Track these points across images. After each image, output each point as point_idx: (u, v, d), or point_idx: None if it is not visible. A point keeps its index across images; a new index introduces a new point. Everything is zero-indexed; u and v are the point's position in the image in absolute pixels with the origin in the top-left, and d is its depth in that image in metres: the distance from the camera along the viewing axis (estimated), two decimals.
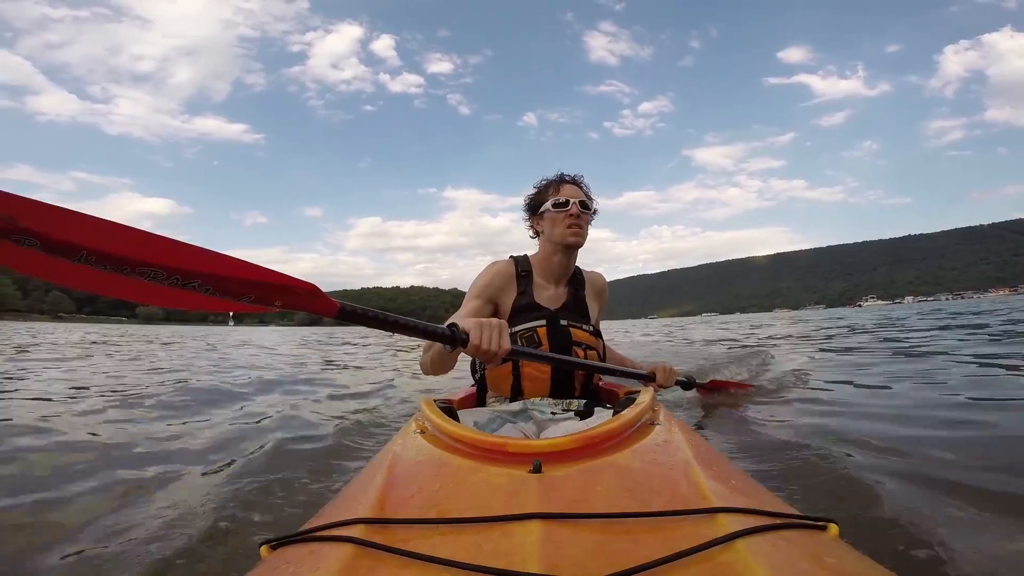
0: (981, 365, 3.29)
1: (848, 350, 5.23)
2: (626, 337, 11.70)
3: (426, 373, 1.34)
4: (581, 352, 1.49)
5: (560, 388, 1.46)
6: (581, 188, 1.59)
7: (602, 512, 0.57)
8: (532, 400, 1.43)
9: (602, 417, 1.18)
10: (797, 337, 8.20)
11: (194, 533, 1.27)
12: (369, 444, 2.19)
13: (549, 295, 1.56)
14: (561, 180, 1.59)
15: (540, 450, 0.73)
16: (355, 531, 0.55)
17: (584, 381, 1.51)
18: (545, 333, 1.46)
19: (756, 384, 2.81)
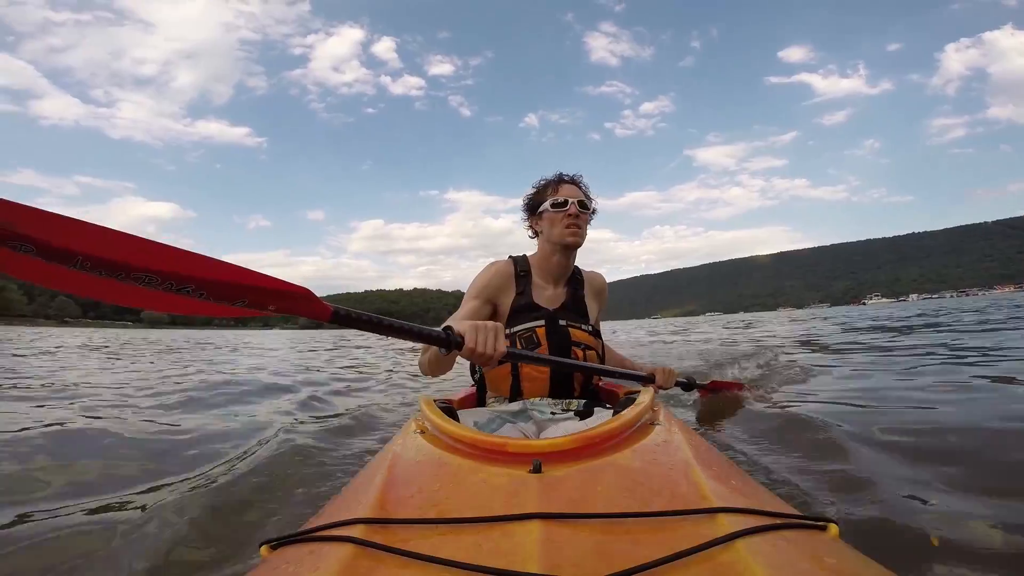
0: (986, 365, 3.28)
1: (850, 348, 5.23)
2: (629, 337, 11.67)
3: (424, 374, 1.34)
4: (580, 352, 1.49)
5: (559, 388, 1.46)
6: (580, 188, 1.59)
7: (602, 512, 0.57)
8: (532, 400, 1.43)
9: (602, 417, 1.18)
10: (808, 336, 8.17)
11: (194, 533, 1.28)
12: (369, 444, 2.19)
13: (548, 295, 1.56)
14: (560, 180, 1.59)
15: (540, 450, 0.73)
16: (355, 531, 0.55)
17: (583, 381, 1.51)
18: (544, 333, 1.46)
19: (758, 384, 2.81)
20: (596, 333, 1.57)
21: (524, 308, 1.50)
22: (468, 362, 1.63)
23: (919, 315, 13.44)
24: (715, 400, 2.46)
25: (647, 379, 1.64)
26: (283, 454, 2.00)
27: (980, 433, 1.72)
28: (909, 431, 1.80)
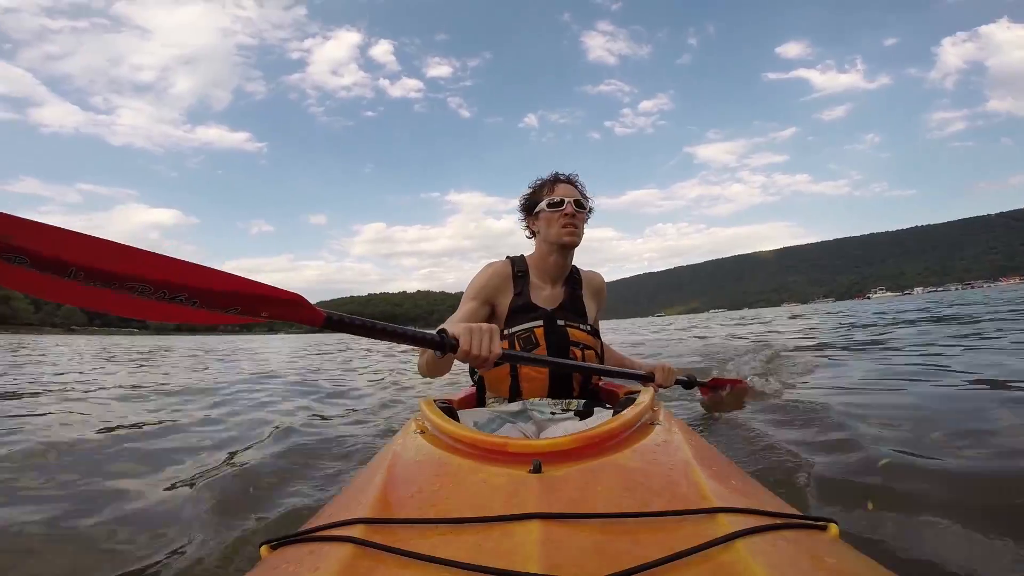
0: (989, 361, 3.27)
1: (853, 344, 5.22)
2: (632, 337, 11.64)
3: (423, 376, 1.34)
4: (579, 352, 1.49)
5: (558, 388, 1.46)
6: (576, 187, 1.59)
7: (602, 512, 0.57)
8: (532, 400, 1.43)
9: (602, 417, 1.18)
10: (810, 332, 8.13)
11: (194, 533, 1.28)
12: (369, 444, 2.19)
13: (546, 295, 1.55)
14: (556, 179, 1.59)
15: (540, 450, 0.73)
16: (355, 531, 0.55)
17: (583, 381, 1.51)
18: (542, 333, 1.46)
19: (759, 382, 2.80)
20: (595, 333, 1.57)
21: (522, 309, 1.50)
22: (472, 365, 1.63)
23: (925, 308, 13.28)
24: (715, 398, 2.46)
25: (646, 378, 1.63)
26: (283, 454, 2.00)
27: (983, 432, 1.72)
28: (911, 430, 1.80)
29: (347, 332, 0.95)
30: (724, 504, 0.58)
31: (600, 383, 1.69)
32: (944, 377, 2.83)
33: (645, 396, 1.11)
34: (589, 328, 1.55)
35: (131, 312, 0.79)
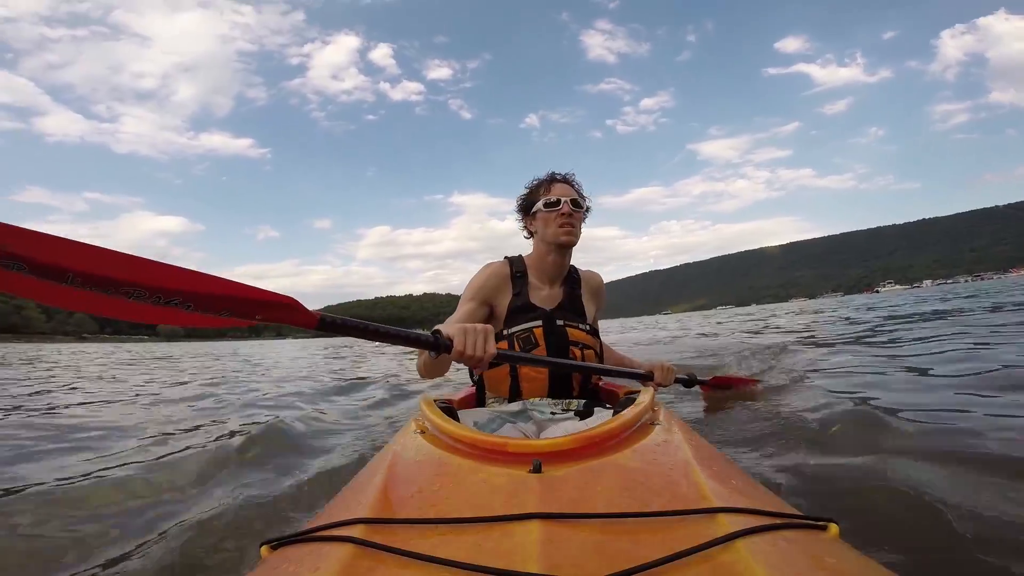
0: (1001, 357, 3.26)
1: (855, 341, 5.22)
2: (637, 336, 11.60)
3: (422, 376, 1.34)
4: (578, 352, 1.49)
5: (558, 388, 1.46)
6: (572, 186, 1.59)
7: (602, 512, 0.57)
8: (532, 400, 1.42)
9: (602, 417, 1.18)
10: (814, 328, 8.09)
11: (194, 533, 1.28)
12: (369, 444, 2.19)
13: (544, 295, 1.55)
14: (552, 179, 1.59)
15: (540, 450, 0.73)
16: (355, 531, 0.55)
17: (583, 381, 1.51)
18: (542, 333, 1.46)
19: (761, 380, 2.79)
20: (594, 332, 1.57)
21: (521, 309, 1.50)
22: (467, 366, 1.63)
23: (934, 301, 13.11)
24: (716, 397, 2.46)
25: (645, 376, 1.63)
26: (283, 454, 2.00)
27: (986, 432, 1.72)
28: (912, 429, 1.80)
29: (341, 334, 0.96)
30: (724, 504, 0.58)
31: (600, 383, 1.69)
32: (951, 374, 2.83)
33: (645, 396, 1.11)
34: (588, 328, 1.55)
35: (128, 315, 0.81)
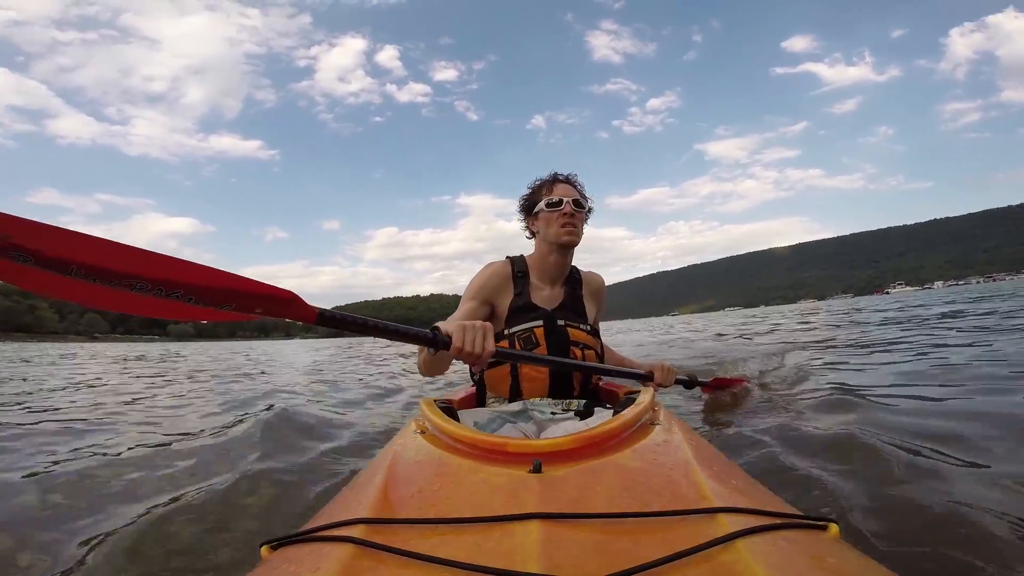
0: (992, 359, 3.26)
1: (859, 344, 5.22)
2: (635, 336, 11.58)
3: (423, 374, 1.34)
4: (579, 352, 1.49)
5: (559, 388, 1.46)
6: (575, 187, 1.59)
7: (602, 512, 0.57)
8: (532, 400, 1.42)
9: (602, 417, 1.18)
10: (817, 331, 8.09)
11: (194, 533, 1.28)
12: (369, 444, 2.19)
13: (545, 295, 1.55)
14: (554, 179, 1.59)
15: (540, 450, 0.73)
16: (355, 531, 0.55)
17: (583, 381, 1.51)
18: (542, 333, 1.46)
19: (762, 382, 2.79)
20: (595, 333, 1.57)
21: (522, 308, 1.50)
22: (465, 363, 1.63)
23: (943, 303, 12.92)
24: (716, 398, 2.46)
25: (645, 377, 1.63)
26: (283, 454, 2.00)
27: (986, 432, 1.72)
28: (913, 430, 1.80)
29: (340, 328, 0.96)
30: (724, 504, 0.58)
31: (600, 383, 1.69)
32: (953, 375, 2.82)
33: (645, 396, 1.11)
34: (589, 328, 1.55)
35: (129, 308, 0.81)
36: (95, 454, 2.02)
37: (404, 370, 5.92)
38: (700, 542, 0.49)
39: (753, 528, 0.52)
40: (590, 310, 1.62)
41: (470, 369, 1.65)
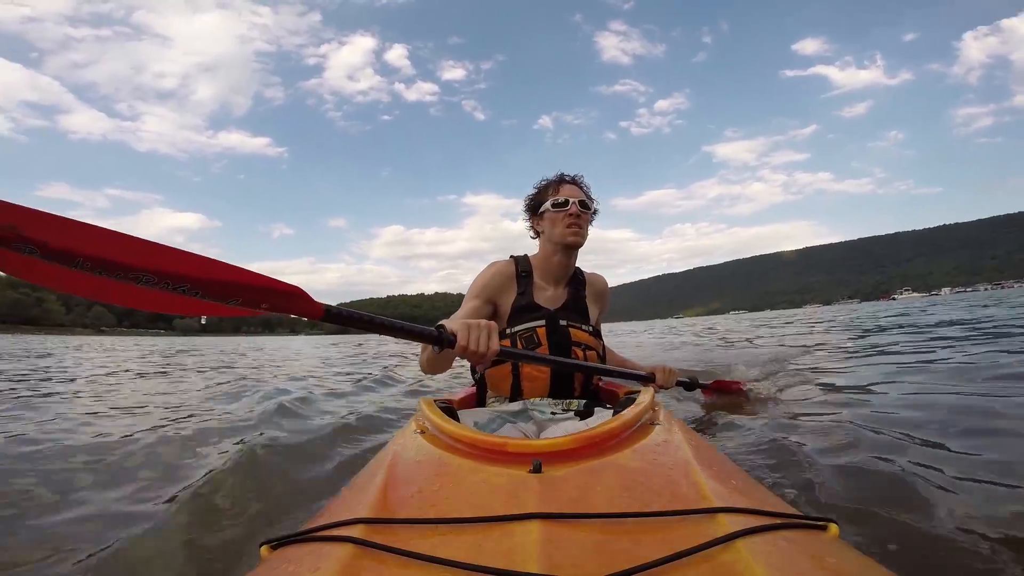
0: (991, 362, 3.26)
1: (860, 347, 5.22)
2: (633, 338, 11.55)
3: (424, 372, 1.35)
4: (580, 352, 1.49)
5: (560, 388, 1.46)
6: (581, 188, 1.59)
7: (602, 512, 0.57)
8: (532, 400, 1.43)
9: (602, 417, 1.18)
10: (820, 335, 8.09)
11: (194, 533, 1.27)
12: (369, 444, 2.19)
13: (549, 295, 1.55)
14: (561, 180, 1.59)
15: (540, 450, 0.73)
16: (355, 531, 0.55)
17: (584, 381, 1.51)
18: (544, 333, 1.46)
19: (762, 384, 2.79)
20: (597, 334, 1.57)
21: (525, 308, 1.50)
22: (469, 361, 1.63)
23: (950, 309, 12.76)
24: (717, 400, 2.46)
25: (647, 378, 1.64)
26: (283, 454, 2.00)
27: (986, 433, 1.72)
28: (912, 431, 1.80)
29: (346, 325, 0.96)
30: (724, 504, 0.58)
31: (601, 383, 1.69)
32: (953, 378, 2.82)
33: (645, 396, 1.11)
34: (591, 329, 1.55)
35: (137, 303, 0.80)
36: (89, 452, 2.02)
37: (403, 369, 5.93)
38: (700, 542, 0.49)
39: (753, 528, 0.52)
40: (592, 311, 1.62)
41: (471, 367, 1.66)
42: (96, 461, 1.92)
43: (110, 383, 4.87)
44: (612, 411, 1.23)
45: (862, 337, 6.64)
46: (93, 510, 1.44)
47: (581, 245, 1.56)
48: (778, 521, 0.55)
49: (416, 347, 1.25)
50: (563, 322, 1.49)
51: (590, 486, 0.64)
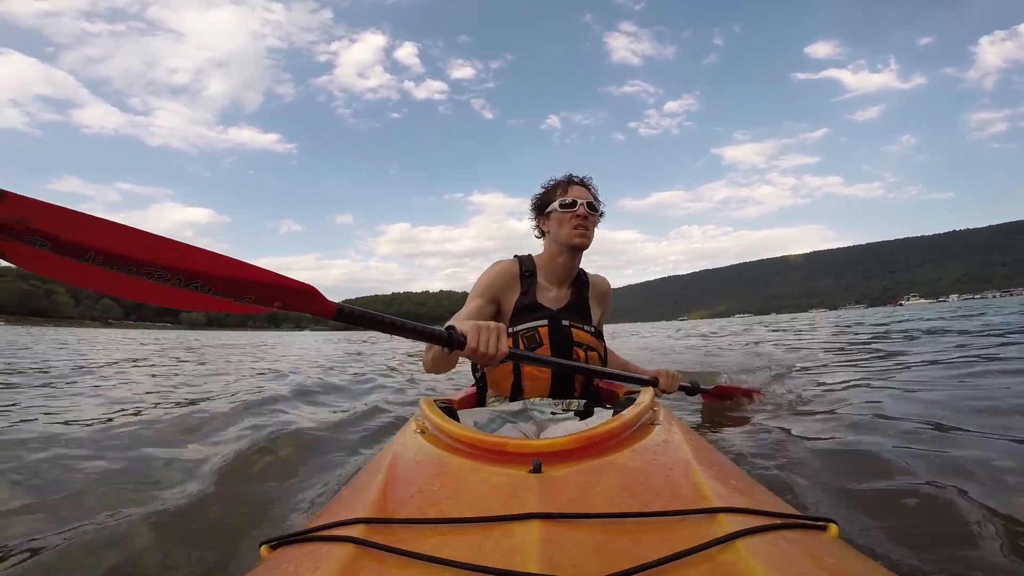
0: (992, 367, 3.26)
1: (861, 350, 5.22)
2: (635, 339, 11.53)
3: (427, 371, 1.35)
4: (582, 353, 1.50)
5: (560, 388, 1.46)
6: (589, 190, 1.59)
7: (602, 512, 0.57)
8: (532, 400, 1.43)
9: (602, 417, 1.18)
10: (822, 340, 8.09)
11: (194, 533, 1.27)
12: (369, 444, 2.19)
13: (552, 296, 1.56)
14: (569, 181, 1.59)
15: (540, 450, 0.73)
16: (355, 531, 0.55)
17: (584, 381, 1.51)
18: (547, 333, 1.46)
19: (763, 388, 2.80)
20: (599, 335, 1.58)
21: (528, 307, 1.50)
22: (471, 361, 1.63)
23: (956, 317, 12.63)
24: (718, 406, 2.46)
25: (650, 382, 1.64)
26: (283, 454, 2.00)
27: (987, 433, 1.72)
28: (913, 431, 1.80)
29: (358, 324, 0.95)
30: (724, 504, 0.58)
31: (601, 383, 1.69)
32: (951, 379, 2.83)
33: (645, 396, 1.11)
34: (593, 330, 1.55)
35: (147, 298, 0.79)
36: (87, 452, 2.02)
37: (408, 368, 5.93)
38: (700, 542, 0.49)
39: (753, 528, 0.52)
40: (595, 312, 1.63)
41: (472, 366, 1.66)
42: (95, 459, 1.92)
43: (123, 376, 4.88)
44: (612, 411, 1.24)
45: (862, 340, 6.65)
46: (92, 509, 1.44)
47: (587, 247, 1.56)
48: (778, 521, 0.55)
49: (420, 346, 1.25)
50: (565, 322, 1.49)
51: (590, 486, 0.64)
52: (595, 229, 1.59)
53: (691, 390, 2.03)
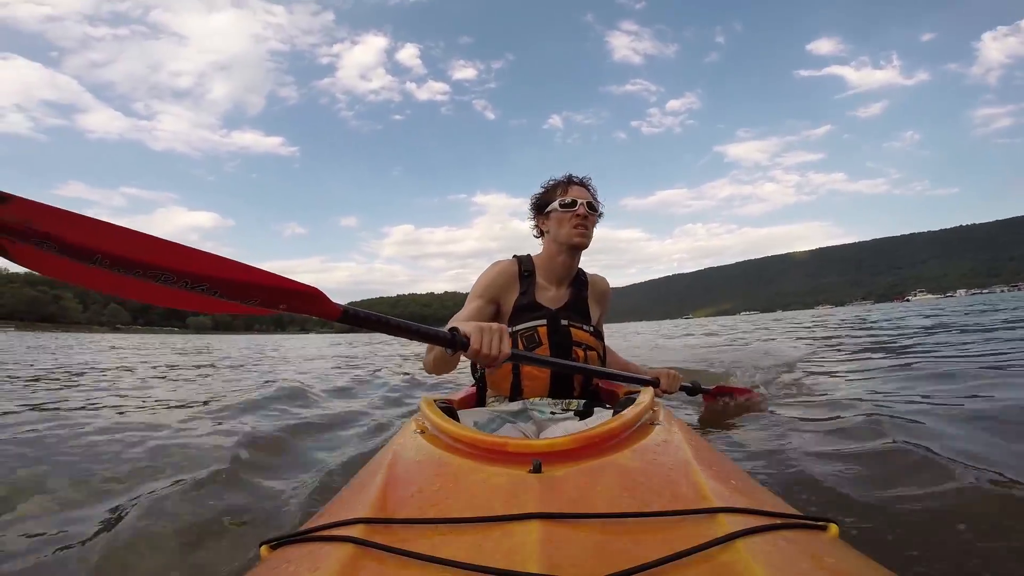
0: (993, 363, 3.26)
1: (861, 350, 5.22)
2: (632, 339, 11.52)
3: (428, 372, 1.35)
4: (581, 352, 1.50)
5: (560, 388, 1.46)
6: (588, 190, 1.60)
7: (602, 512, 0.57)
8: (532, 400, 1.43)
9: (602, 417, 1.18)
10: (823, 338, 8.08)
11: (194, 533, 1.27)
12: (369, 444, 2.19)
13: (551, 295, 1.56)
14: (569, 181, 1.60)
15: (540, 450, 0.73)
16: (355, 531, 0.55)
17: (584, 381, 1.51)
18: (546, 332, 1.46)
19: (763, 388, 2.79)
20: (598, 334, 1.58)
21: (526, 307, 1.50)
22: (470, 361, 1.63)
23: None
24: (719, 406, 2.46)
25: (651, 383, 1.64)
26: (283, 454, 2.00)
27: (987, 433, 1.72)
28: (913, 430, 1.80)
29: (363, 326, 0.96)
30: (724, 504, 0.58)
31: (601, 383, 1.69)
32: (951, 379, 2.82)
33: (645, 396, 1.11)
34: (592, 329, 1.55)
35: (153, 299, 0.80)
36: (81, 450, 2.02)
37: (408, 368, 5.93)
38: (700, 542, 0.49)
39: (753, 528, 0.52)
40: (594, 312, 1.63)
41: (472, 366, 1.66)
42: (94, 458, 1.92)
43: (124, 376, 4.88)
44: (612, 411, 1.24)
45: (865, 338, 6.65)
46: (91, 509, 1.44)
47: (587, 246, 1.56)
48: (778, 521, 0.55)
49: (421, 347, 1.25)
50: (564, 322, 1.49)
51: (590, 486, 0.64)
52: (593, 229, 1.59)
53: (692, 390, 2.03)
